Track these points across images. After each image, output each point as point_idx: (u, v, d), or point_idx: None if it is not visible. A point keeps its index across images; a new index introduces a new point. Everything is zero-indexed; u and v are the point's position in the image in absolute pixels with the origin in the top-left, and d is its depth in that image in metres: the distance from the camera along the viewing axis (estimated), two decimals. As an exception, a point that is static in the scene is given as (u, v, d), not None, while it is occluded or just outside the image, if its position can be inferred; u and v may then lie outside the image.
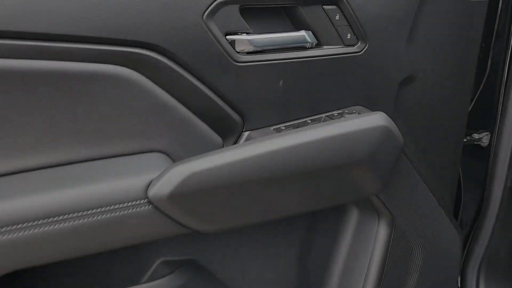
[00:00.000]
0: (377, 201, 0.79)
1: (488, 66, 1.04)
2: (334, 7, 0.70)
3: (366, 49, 0.73)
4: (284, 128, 0.71)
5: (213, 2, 0.60)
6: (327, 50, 0.71)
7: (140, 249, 0.80)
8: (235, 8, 0.63)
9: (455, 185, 0.99)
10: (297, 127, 0.72)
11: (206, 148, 0.66)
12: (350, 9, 0.70)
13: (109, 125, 0.59)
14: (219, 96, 0.65)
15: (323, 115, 0.75)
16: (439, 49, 0.82)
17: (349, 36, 0.72)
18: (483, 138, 1.04)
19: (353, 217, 0.85)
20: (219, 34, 0.62)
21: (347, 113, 0.74)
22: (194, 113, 0.65)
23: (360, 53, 0.73)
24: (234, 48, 0.64)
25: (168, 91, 0.62)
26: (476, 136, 1.04)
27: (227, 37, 0.63)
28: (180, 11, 0.59)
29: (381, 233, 0.83)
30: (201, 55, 0.61)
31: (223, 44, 0.63)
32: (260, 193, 0.63)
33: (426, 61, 0.82)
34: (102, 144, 0.60)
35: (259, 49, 0.66)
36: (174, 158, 0.66)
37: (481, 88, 1.05)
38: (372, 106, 0.77)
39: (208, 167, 0.58)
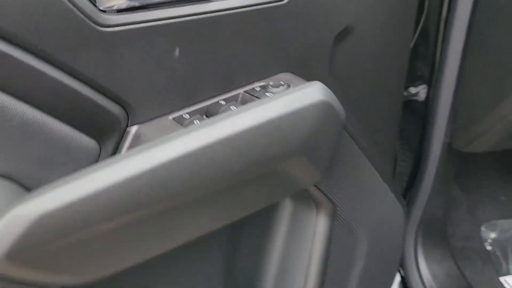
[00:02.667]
0: (315, 190, 0.64)
1: (425, 10, 0.90)
2: None
3: (291, -4, 0.53)
4: (187, 116, 0.50)
5: None
6: (239, 0, 0.50)
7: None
8: None
9: (395, 152, 0.87)
10: (206, 113, 0.52)
11: (75, 162, 0.44)
12: None
13: None
14: (82, 81, 0.43)
15: (241, 90, 0.55)
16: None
17: (267, -21, 0.51)
18: (420, 92, 0.92)
19: (287, 210, 0.69)
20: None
21: (272, 85, 0.55)
22: (49, 113, 0.43)
23: (283, 2, 0.53)
24: (94, 4, 0.41)
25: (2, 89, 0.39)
26: (413, 90, 0.92)
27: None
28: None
29: (321, 225, 0.68)
30: (44, 25, 0.38)
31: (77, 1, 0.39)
32: (158, 221, 0.43)
33: (363, 8, 0.65)
34: None
35: (136, 3, 0.43)
36: (27, 185, 0.43)
37: (416, 36, 0.91)
38: (303, 72, 0.59)
39: (66, 203, 0.37)
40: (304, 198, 0.67)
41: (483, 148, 0.93)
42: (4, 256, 0.35)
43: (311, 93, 0.51)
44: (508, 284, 1.10)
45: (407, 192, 1.04)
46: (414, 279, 1.06)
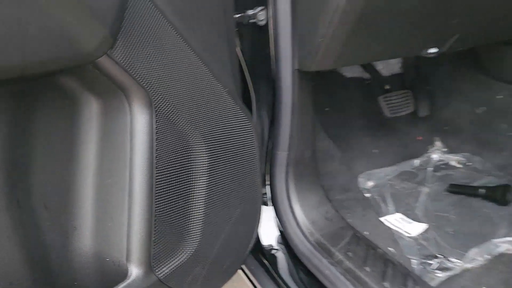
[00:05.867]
0: (114, 68, 0.51)
1: None
2: None
3: None
4: None
5: None
6: None
7: None
8: None
9: (234, 67, 0.79)
10: None
11: None
12: None
13: None
14: None
15: None
16: None
17: None
18: (259, 14, 0.87)
19: (92, 111, 0.56)
20: None
21: None
22: None
23: None
24: None
25: None
26: (250, 12, 0.86)
27: None
28: None
29: (138, 123, 0.55)
30: None
31: None
32: None
33: None
34: None
35: None
36: None
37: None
38: None
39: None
40: (109, 89, 0.54)
41: (329, 65, 0.89)
42: None
43: None
44: (388, 221, 1.06)
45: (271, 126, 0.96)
46: (291, 229, 0.96)
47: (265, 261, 0.99)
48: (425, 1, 0.82)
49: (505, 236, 0.96)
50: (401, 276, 0.83)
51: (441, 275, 0.87)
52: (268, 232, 1.01)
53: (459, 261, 0.91)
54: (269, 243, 1.01)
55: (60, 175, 0.56)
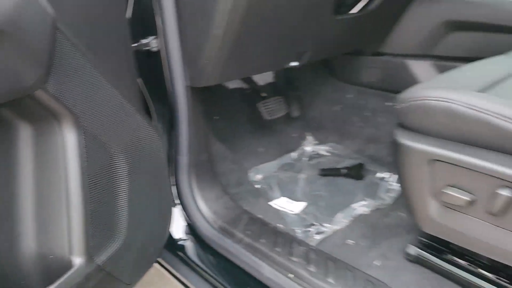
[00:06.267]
0: (48, 98, 0.64)
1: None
2: None
3: None
4: None
5: None
6: None
7: None
8: None
9: (137, 88, 0.94)
10: None
11: None
12: None
13: None
14: None
15: None
16: None
17: None
18: (151, 42, 1.03)
19: (26, 135, 0.67)
20: None
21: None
22: None
23: None
24: None
25: None
26: (144, 41, 1.02)
27: None
28: None
29: (68, 141, 0.68)
30: None
31: None
32: None
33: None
34: None
35: None
36: None
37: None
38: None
39: None
40: (42, 116, 0.66)
41: (214, 81, 1.09)
42: None
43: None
44: (276, 204, 1.29)
45: (171, 138, 1.13)
46: (198, 221, 1.14)
47: (179, 253, 1.15)
48: (284, 31, 1.07)
49: (360, 201, 1.26)
50: (289, 242, 1.06)
51: (318, 237, 1.13)
52: (176, 227, 1.17)
53: (330, 225, 1.17)
54: (179, 237, 1.17)
55: (2, 190, 0.67)
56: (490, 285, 0.86)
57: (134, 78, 0.94)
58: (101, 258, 0.73)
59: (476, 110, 0.72)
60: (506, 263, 0.78)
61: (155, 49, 1.04)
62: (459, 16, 1.31)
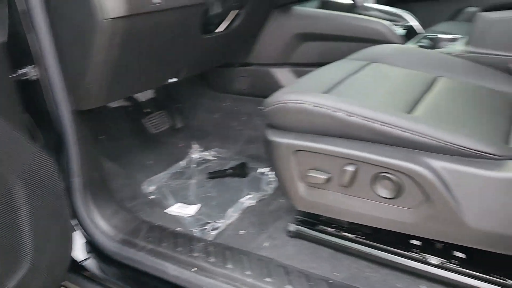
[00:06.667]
0: None
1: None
2: None
3: None
4: None
5: None
6: None
7: None
8: None
9: (22, 117, 0.97)
10: None
11: None
12: None
13: None
14: None
15: None
16: None
17: None
18: (30, 72, 1.06)
19: None
20: None
21: None
22: None
23: None
24: None
25: None
26: (21, 71, 1.04)
27: None
28: None
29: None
30: None
31: None
32: None
33: None
34: None
35: None
36: None
37: (8, 29, 1.04)
38: None
39: None
40: None
41: (99, 103, 1.15)
42: None
43: None
44: (172, 211, 1.39)
45: (62, 163, 1.16)
46: (99, 238, 1.18)
47: (84, 273, 1.18)
48: (160, 52, 1.18)
49: (246, 196, 1.43)
50: (188, 241, 1.18)
51: (214, 232, 1.26)
52: (78, 248, 1.20)
53: (223, 220, 1.31)
54: (81, 256, 1.20)
55: None
56: (352, 243, 1.08)
57: (17, 108, 0.97)
58: (12, 283, 0.77)
59: (322, 108, 0.93)
60: (359, 223, 1.00)
61: (34, 78, 1.07)
62: (306, 29, 1.56)
